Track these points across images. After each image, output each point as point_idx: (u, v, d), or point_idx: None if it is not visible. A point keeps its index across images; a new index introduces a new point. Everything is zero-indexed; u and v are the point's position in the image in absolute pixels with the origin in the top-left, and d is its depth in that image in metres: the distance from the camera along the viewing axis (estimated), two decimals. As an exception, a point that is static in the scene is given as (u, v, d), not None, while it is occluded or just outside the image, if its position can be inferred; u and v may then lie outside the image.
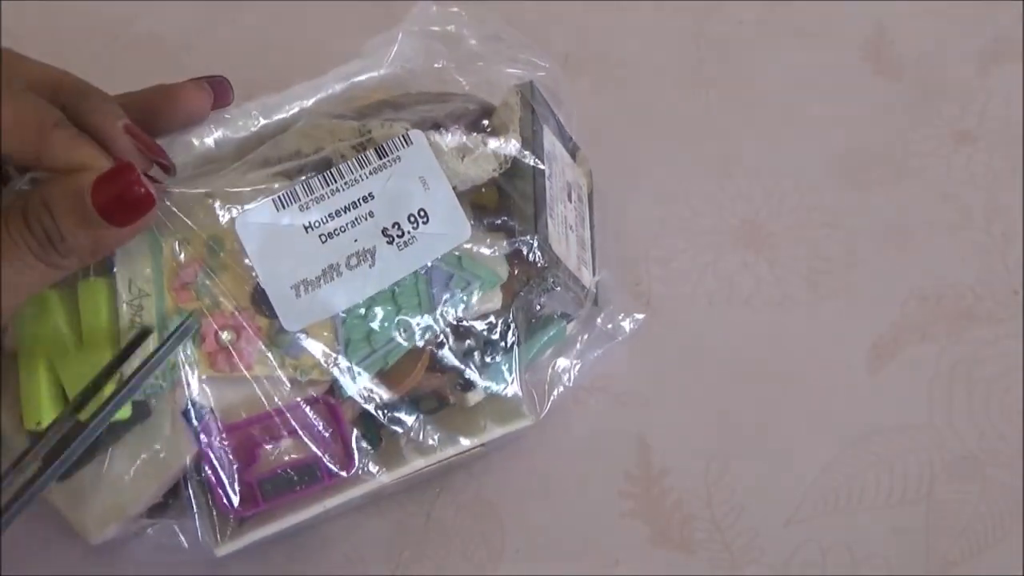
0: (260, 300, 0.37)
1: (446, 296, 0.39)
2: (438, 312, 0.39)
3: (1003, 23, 0.57)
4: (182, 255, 0.36)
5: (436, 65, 0.42)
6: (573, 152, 0.47)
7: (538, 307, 0.43)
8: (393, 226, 0.38)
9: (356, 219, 0.38)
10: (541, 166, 0.41)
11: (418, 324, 0.39)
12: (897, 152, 0.53)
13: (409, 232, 0.38)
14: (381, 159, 0.38)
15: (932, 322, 0.48)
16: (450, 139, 0.39)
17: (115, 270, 0.36)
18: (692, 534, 0.43)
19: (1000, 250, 0.50)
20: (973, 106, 0.54)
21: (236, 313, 0.37)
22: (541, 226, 0.40)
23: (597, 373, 0.45)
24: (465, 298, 0.39)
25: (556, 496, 0.43)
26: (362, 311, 0.38)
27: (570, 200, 0.44)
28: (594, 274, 0.45)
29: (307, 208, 0.37)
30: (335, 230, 0.37)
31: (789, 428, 0.45)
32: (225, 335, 0.36)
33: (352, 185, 0.37)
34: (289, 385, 0.37)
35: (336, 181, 0.37)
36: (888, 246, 0.50)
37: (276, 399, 0.37)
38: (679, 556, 0.42)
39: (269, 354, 0.37)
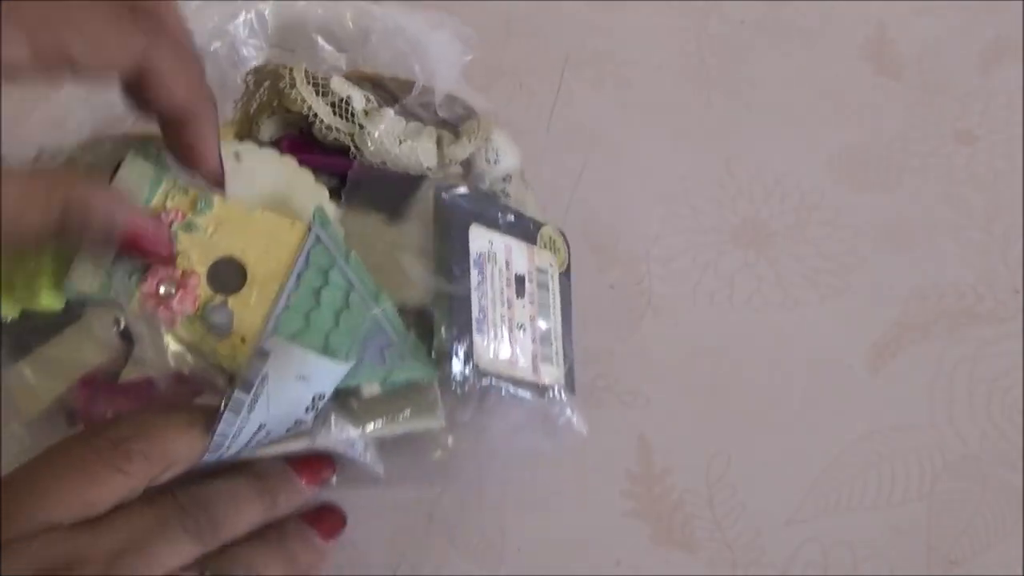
0: (216, 272, 0.37)
1: (375, 362, 0.37)
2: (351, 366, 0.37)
3: (1003, 23, 0.57)
4: (171, 200, 0.37)
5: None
6: (533, 235, 0.43)
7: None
8: (296, 423, 0.36)
9: (258, 444, 0.37)
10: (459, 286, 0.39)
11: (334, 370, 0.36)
12: (897, 152, 0.53)
13: (313, 413, 0.36)
14: (248, 392, 0.33)
15: (933, 321, 0.48)
16: (394, 120, 0.40)
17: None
18: (693, 533, 0.43)
19: (1001, 249, 0.50)
20: (974, 106, 0.54)
21: (187, 273, 0.37)
22: (467, 348, 0.38)
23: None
24: (389, 373, 0.38)
25: (557, 495, 0.43)
26: (293, 330, 0.37)
27: (521, 296, 0.41)
28: (565, 360, 0.42)
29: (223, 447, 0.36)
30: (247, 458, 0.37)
31: (790, 427, 0.45)
32: (163, 288, 0.37)
33: (242, 430, 0.35)
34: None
35: (227, 439, 0.35)
36: (889, 245, 0.50)
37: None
38: (680, 555, 0.42)
39: (194, 322, 0.37)
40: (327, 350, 0.37)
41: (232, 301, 0.37)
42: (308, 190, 0.40)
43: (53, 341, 0.39)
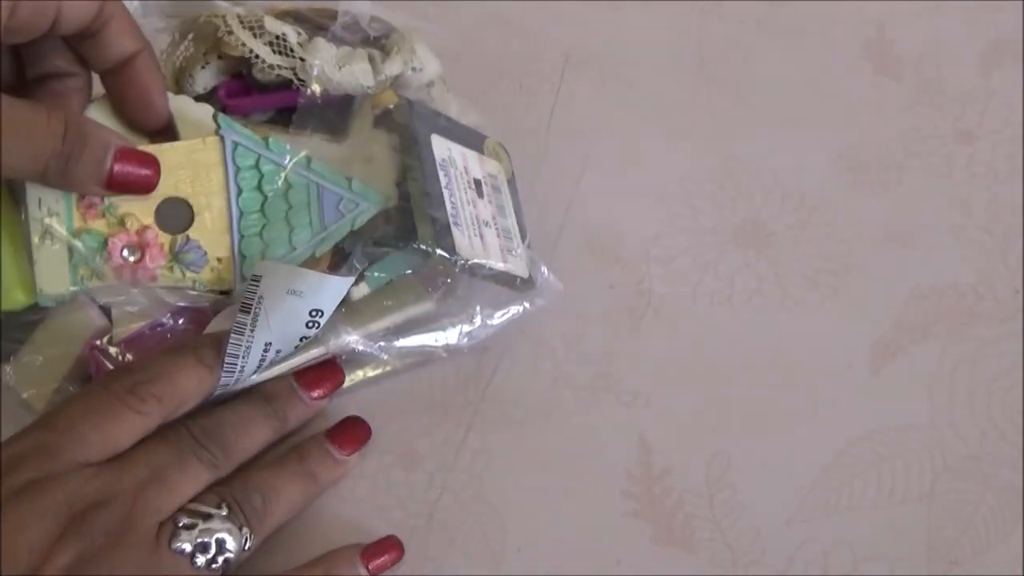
0: (164, 217, 0.39)
1: (336, 219, 0.41)
2: (327, 232, 0.41)
3: (1003, 23, 0.57)
4: None
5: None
6: (479, 144, 0.46)
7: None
8: (302, 340, 0.39)
9: (271, 363, 0.39)
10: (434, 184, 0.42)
11: (307, 241, 0.41)
12: (897, 152, 0.53)
13: (316, 330, 0.38)
14: (248, 313, 0.36)
15: (933, 321, 0.48)
16: (328, 48, 0.42)
17: (26, 188, 0.38)
18: (693, 533, 0.43)
19: (1001, 249, 0.50)
20: (974, 106, 0.54)
21: (141, 231, 0.39)
22: (445, 244, 0.41)
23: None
24: (353, 220, 0.41)
25: (557, 495, 0.43)
26: (256, 230, 0.40)
27: (481, 196, 0.44)
28: (526, 247, 0.46)
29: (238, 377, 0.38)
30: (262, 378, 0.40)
31: (790, 427, 0.45)
32: (127, 253, 0.39)
33: (249, 350, 0.37)
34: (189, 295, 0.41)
35: (238, 359, 0.37)
36: (889, 246, 0.50)
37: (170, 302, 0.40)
38: (681, 555, 0.42)
39: (172, 268, 0.40)
40: (294, 232, 0.40)
41: (193, 234, 0.40)
42: (192, 108, 0.41)
43: (40, 328, 0.41)
